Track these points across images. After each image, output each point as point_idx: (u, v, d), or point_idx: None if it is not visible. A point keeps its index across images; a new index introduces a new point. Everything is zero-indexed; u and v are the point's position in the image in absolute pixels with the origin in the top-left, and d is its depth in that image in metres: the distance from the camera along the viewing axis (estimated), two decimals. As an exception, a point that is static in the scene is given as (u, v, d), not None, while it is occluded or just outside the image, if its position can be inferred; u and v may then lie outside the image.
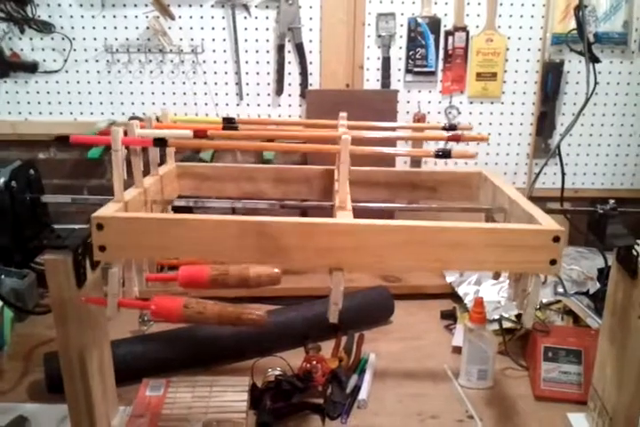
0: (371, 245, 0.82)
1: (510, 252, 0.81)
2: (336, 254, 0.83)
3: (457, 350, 1.31)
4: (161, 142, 0.97)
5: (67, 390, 0.99)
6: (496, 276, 1.02)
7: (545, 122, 1.80)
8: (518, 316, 1.36)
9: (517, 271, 0.88)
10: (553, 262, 0.81)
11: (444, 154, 0.99)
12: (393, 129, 1.30)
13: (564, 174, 1.67)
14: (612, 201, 0.96)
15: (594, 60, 1.55)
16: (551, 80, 1.78)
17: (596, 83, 1.58)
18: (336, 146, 0.93)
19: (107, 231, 0.84)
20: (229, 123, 1.07)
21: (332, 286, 0.85)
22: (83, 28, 1.72)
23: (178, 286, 0.94)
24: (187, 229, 0.84)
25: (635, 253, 0.95)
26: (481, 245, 0.81)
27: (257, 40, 1.74)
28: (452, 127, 1.11)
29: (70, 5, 1.70)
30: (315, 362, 1.19)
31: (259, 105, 1.79)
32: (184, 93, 1.77)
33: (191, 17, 1.72)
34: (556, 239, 0.80)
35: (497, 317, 1.34)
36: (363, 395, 1.17)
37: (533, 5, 1.74)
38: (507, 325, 1.34)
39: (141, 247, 0.85)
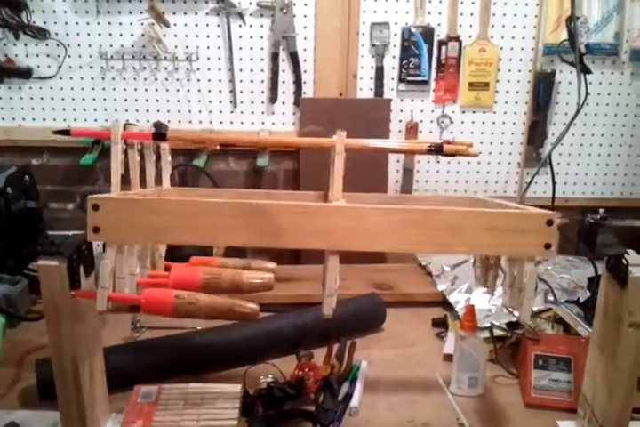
0: (366, 226, 0.83)
1: (506, 235, 0.82)
2: (331, 235, 0.83)
3: (448, 357, 1.32)
4: (160, 136, 0.99)
5: (59, 397, 0.99)
6: (489, 288, 1.02)
7: (536, 131, 1.82)
8: (509, 324, 1.36)
9: (513, 255, 0.87)
10: (548, 246, 0.83)
11: (436, 149, 1.00)
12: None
13: (554, 183, 1.69)
14: (601, 210, 0.97)
15: (585, 70, 1.57)
16: (543, 90, 1.79)
17: (587, 93, 1.60)
18: (331, 139, 0.95)
19: (102, 212, 0.84)
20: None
21: (327, 273, 0.84)
22: (77, 34, 1.73)
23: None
24: (182, 211, 0.85)
25: (624, 261, 0.96)
26: (476, 229, 0.82)
27: (251, 48, 1.76)
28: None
29: (65, 12, 1.71)
30: (307, 369, 1.19)
31: (252, 113, 1.80)
32: (178, 101, 1.78)
33: (186, 24, 1.73)
34: (550, 222, 0.82)
35: (488, 325, 1.35)
36: (354, 402, 1.17)
37: (525, 16, 1.76)
38: (498, 333, 1.35)
39: (135, 228, 0.85)
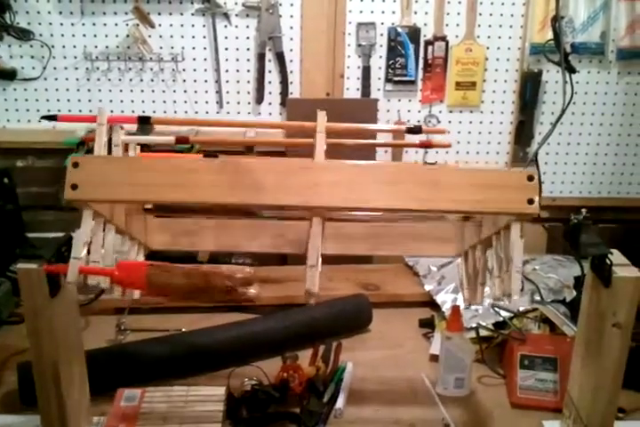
0: (350, 182, 0.83)
1: (488, 191, 0.83)
2: (313, 192, 0.82)
3: (435, 358, 1.31)
4: (145, 120, 1.01)
5: (39, 402, 0.98)
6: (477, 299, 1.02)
7: (523, 131, 1.82)
8: (495, 324, 1.36)
9: (497, 211, 0.86)
10: (530, 202, 0.83)
11: (415, 130, 1.04)
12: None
13: (540, 183, 1.68)
14: (584, 210, 0.97)
15: (570, 70, 1.57)
16: (529, 89, 1.79)
17: (573, 92, 1.59)
18: (312, 122, 0.96)
19: (81, 169, 0.83)
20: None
21: (310, 243, 0.83)
22: (62, 35, 1.71)
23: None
24: (165, 169, 0.84)
25: (608, 261, 0.95)
26: (460, 185, 0.83)
27: (237, 49, 1.74)
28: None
29: (49, 13, 1.70)
30: (291, 371, 1.18)
31: (239, 113, 1.79)
32: (164, 102, 1.77)
33: (171, 25, 1.71)
34: (530, 178, 0.83)
35: (474, 325, 1.34)
36: (340, 404, 1.16)
37: (512, 15, 1.76)
38: (484, 333, 1.34)
39: (114, 185, 0.83)
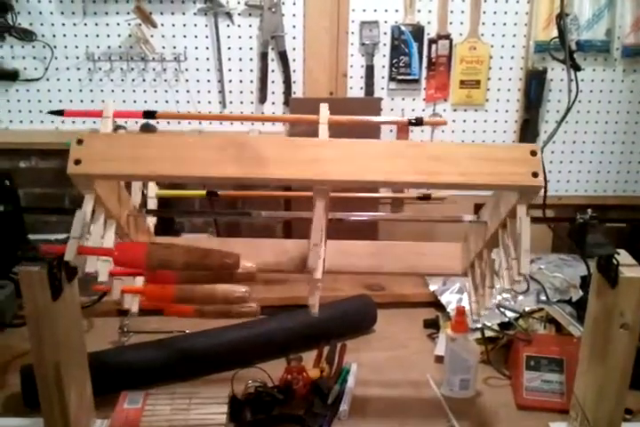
0: (353, 157, 0.83)
1: (493, 164, 0.83)
2: (317, 165, 0.83)
3: (440, 359, 1.31)
4: (150, 114, 1.02)
5: (42, 404, 0.98)
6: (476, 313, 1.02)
7: (528, 129, 1.80)
8: (501, 325, 1.35)
9: (502, 183, 0.84)
10: (535, 175, 0.84)
11: (417, 122, 1.02)
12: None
13: (545, 182, 1.66)
14: (589, 210, 0.96)
15: (575, 68, 1.55)
16: (534, 88, 1.78)
17: (578, 90, 1.58)
18: (314, 115, 0.97)
19: (85, 146, 0.83)
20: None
21: (314, 220, 0.83)
22: (64, 35, 1.71)
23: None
24: (168, 145, 0.84)
25: (615, 262, 0.94)
26: (464, 159, 0.83)
27: (240, 48, 1.74)
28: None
29: (52, 13, 1.69)
30: (295, 373, 1.18)
31: (242, 113, 1.78)
32: (166, 102, 1.76)
33: (174, 25, 1.71)
34: (534, 153, 0.84)
35: (479, 325, 1.33)
36: (344, 406, 1.16)
37: (516, 13, 1.74)
38: (489, 334, 1.33)
39: (117, 160, 0.83)
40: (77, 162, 0.82)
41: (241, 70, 1.75)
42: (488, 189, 0.89)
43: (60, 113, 1.12)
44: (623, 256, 0.96)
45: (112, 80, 1.74)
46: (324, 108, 0.99)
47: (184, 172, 0.83)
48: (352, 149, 0.85)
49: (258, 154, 0.83)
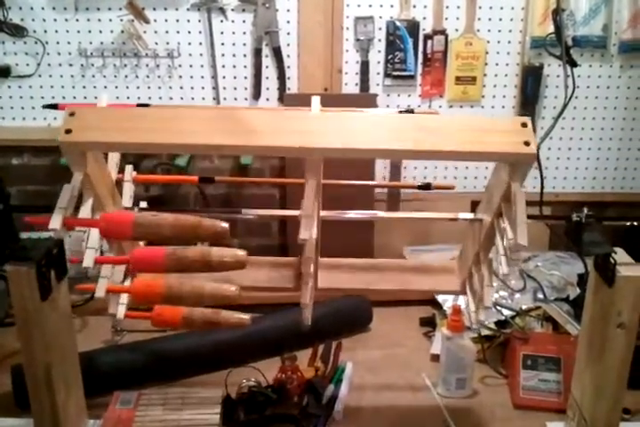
0: (344, 128, 0.84)
1: (484, 134, 0.84)
2: (307, 134, 0.83)
3: (436, 357, 1.30)
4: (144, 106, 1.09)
5: (32, 405, 0.96)
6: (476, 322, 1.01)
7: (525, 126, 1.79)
8: (497, 323, 1.34)
9: (495, 150, 0.84)
10: (527, 144, 0.84)
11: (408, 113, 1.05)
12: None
13: (542, 178, 1.65)
14: (585, 209, 0.94)
15: (572, 63, 1.54)
16: (531, 84, 1.76)
17: (575, 86, 1.57)
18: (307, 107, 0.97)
19: (76, 117, 0.83)
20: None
21: (305, 194, 0.84)
22: (56, 31, 1.69)
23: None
24: (159, 117, 0.84)
25: (612, 260, 0.93)
26: (456, 130, 0.84)
27: (234, 44, 1.72)
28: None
29: (43, 9, 1.67)
30: (290, 372, 1.16)
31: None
32: (160, 98, 1.74)
33: (166, 20, 1.69)
34: (524, 125, 0.85)
35: (476, 326, 1.32)
36: (339, 406, 1.14)
37: (512, 8, 1.73)
38: (485, 332, 1.32)
39: (110, 130, 0.83)
40: (68, 131, 0.82)
41: (235, 66, 1.74)
42: (478, 159, 0.89)
43: (54, 107, 1.11)
44: (620, 255, 0.95)
45: (105, 76, 1.73)
46: (315, 102, 1.00)
47: (174, 140, 0.83)
48: (342, 120, 0.86)
49: (248, 125, 0.83)
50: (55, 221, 0.83)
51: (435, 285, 1.10)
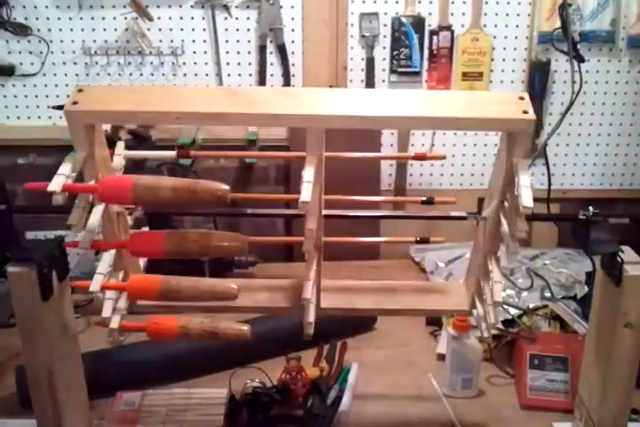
0: (348, 101, 0.87)
1: (485, 104, 0.86)
2: (311, 105, 0.85)
3: (442, 357, 1.28)
4: None
5: (35, 407, 0.96)
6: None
7: (532, 122, 1.77)
8: (504, 322, 1.33)
9: (495, 117, 0.85)
10: (526, 112, 0.84)
11: (428, 201, 1.04)
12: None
13: (550, 175, 1.64)
14: (590, 208, 0.93)
15: (579, 59, 1.52)
16: (538, 79, 1.75)
17: (582, 82, 1.55)
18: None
19: (85, 92, 0.85)
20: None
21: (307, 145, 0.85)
22: (60, 30, 1.68)
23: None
24: (167, 91, 0.90)
25: (619, 260, 0.92)
26: (457, 102, 0.87)
27: (238, 41, 1.71)
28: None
29: (47, 7, 1.67)
30: (294, 373, 1.15)
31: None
32: (164, 96, 1.73)
33: (170, 18, 1.68)
34: (522, 98, 0.86)
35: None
36: (344, 407, 1.14)
37: (519, 3, 1.71)
38: (492, 331, 1.31)
39: (116, 101, 0.84)
40: (75, 103, 0.83)
41: (239, 64, 1.73)
42: (478, 126, 0.90)
43: (60, 108, 1.10)
44: (628, 253, 0.93)
45: (109, 74, 1.72)
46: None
47: (177, 108, 0.84)
48: (347, 94, 0.91)
49: (251, 97, 0.86)
50: (54, 185, 0.83)
51: (443, 304, 1.08)
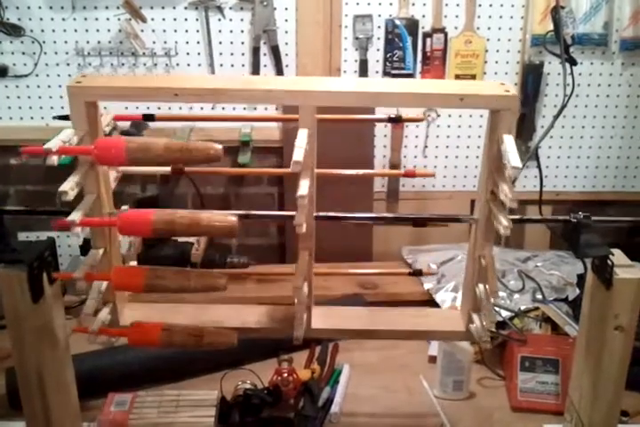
0: (334, 82, 0.95)
1: (470, 86, 0.93)
2: (300, 84, 0.91)
3: (433, 359, 1.29)
4: (149, 117, 1.10)
5: (24, 409, 0.96)
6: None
7: (524, 124, 1.78)
8: (496, 324, 1.32)
9: (479, 93, 0.88)
10: (507, 91, 0.88)
11: (396, 119, 1.11)
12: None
13: (542, 178, 1.64)
14: (580, 213, 0.93)
15: (571, 61, 1.53)
16: (531, 82, 1.75)
17: (574, 84, 1.56)
18: None
19: (88, 77, 0.92)
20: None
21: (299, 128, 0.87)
22: (53, 31, 1.68)
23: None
24: (163, 78, 1.10)
25: (609, 263, 0.92)
26: (444, 85, 0.97)
27: (232, 42, 1.71)
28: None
29: (40, 8, 1.66)
30: (286, 374, 1.16)
31: (234, 109, 1.76)
32: (157, 97, 1.73)
33: (164, 19, 1.68)
34: (502, 84, 0.91)
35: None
36: (335, 408, 1.14)
37: (512, 6, 1.71)
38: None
39: (118, 82, 0.94)
40: (78, 82, 0.90)
41: (233, 65, 1.73)
42: (464, 104, 0.90)
43: (65, 118, 1.10)
44: (618, 256, 0.94)
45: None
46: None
47: (179, 85, 0.89)
48: (336, 80, 1.07)
49: (248, 79, 1.02)
50: (51, 144, 0.89)
51: (439, 326, 1.07)
